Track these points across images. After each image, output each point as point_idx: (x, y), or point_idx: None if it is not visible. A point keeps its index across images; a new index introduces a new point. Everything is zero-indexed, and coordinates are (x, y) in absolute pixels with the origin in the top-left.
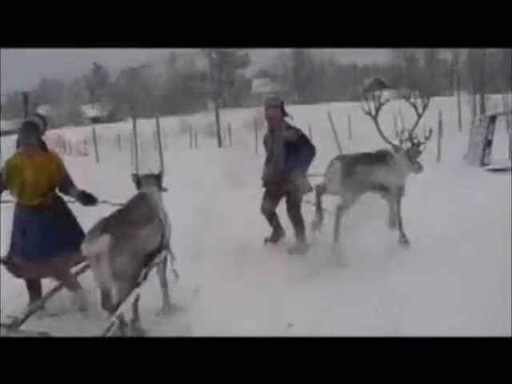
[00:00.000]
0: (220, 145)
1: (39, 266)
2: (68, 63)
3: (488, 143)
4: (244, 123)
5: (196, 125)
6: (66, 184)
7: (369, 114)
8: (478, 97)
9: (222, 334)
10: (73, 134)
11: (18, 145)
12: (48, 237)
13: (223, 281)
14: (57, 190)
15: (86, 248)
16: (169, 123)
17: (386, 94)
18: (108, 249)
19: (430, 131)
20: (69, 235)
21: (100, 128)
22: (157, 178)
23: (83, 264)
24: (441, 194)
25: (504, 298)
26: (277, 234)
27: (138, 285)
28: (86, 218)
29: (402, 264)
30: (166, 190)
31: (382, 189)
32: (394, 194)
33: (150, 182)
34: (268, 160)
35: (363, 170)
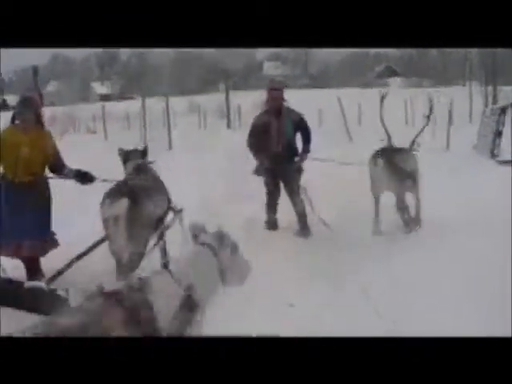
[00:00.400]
0: (229, 126)
1: (26, 246)
2: None
3: (498, 134)
4: (253, 105)
5: (205, 105)
6: (59, 164)
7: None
8: (490, 88)
9: (222, 326)
10: (82, 111)
11: (13, 120)
12: (36, 217)
13: None
14: (47, 170)
15: (105, 211)
16: (178, 103)
17: (397, 81)
18: (126, 211)
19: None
20: (49, 218)
21: (109, 106)
22: (142, 153)
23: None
24: (448, 182)
25: (504, 297)
26: (275, 219)
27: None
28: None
29: (404, 252)
30: (151, 163)
31: (413, 179)
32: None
33: (136, 156)
34: (270, 143)
35: (401, 158)
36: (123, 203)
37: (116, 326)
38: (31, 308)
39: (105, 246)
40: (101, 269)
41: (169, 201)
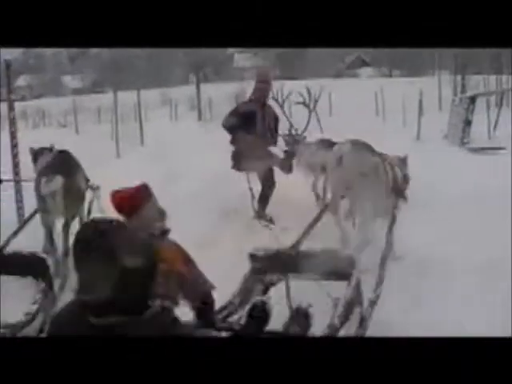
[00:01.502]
0: (200, 118)
1: None
2: None
3: (468, 123)
4: (225, 97)
5: (177, 98)
6: None
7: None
8: (459, 77)
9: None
10: (53, 105)
11: None
12: None
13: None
14: None
15: (43, 189)
16: (150, 96)
17: (367, 71)
18: (62, 187)
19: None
20: None
21: (80, 99)
22: (50, 150)
23: None
24: (420, 171)
25: (505, 297)
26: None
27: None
28: None
29: None
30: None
31: None
32: None
33: (45, 152)
34: (256, 128)
35: None
36: (58, 180)
37: None
38: (12, 272)
39: None
40: None
41: (87, 179)
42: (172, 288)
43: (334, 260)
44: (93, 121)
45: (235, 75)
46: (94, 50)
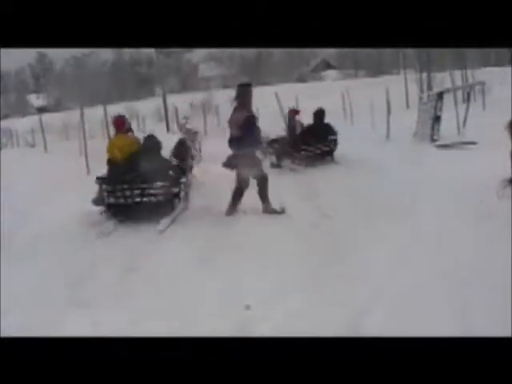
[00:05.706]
0: (168, 129)
1: None
2: (12, 51)
3: (436, 119)
4: (190, 107)
5: (144, 110)
6: None
7: None
8: (424, 75)
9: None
10: (19, 125)
11: None
12: None
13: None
14: None
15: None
16: (116, 110)
17: (332, 74)
18: None
19: None
20: None
21: (47, 117)
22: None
23: None
24: (392, 171)
25: (505, 297)
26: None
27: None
28: None
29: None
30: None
31: None
32: None
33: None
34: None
35: None
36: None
37: None
38: None
39: None
40: None
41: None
42: None
43: None
44: (60, 138)
45: (201, 85)
46: (57, 68)
